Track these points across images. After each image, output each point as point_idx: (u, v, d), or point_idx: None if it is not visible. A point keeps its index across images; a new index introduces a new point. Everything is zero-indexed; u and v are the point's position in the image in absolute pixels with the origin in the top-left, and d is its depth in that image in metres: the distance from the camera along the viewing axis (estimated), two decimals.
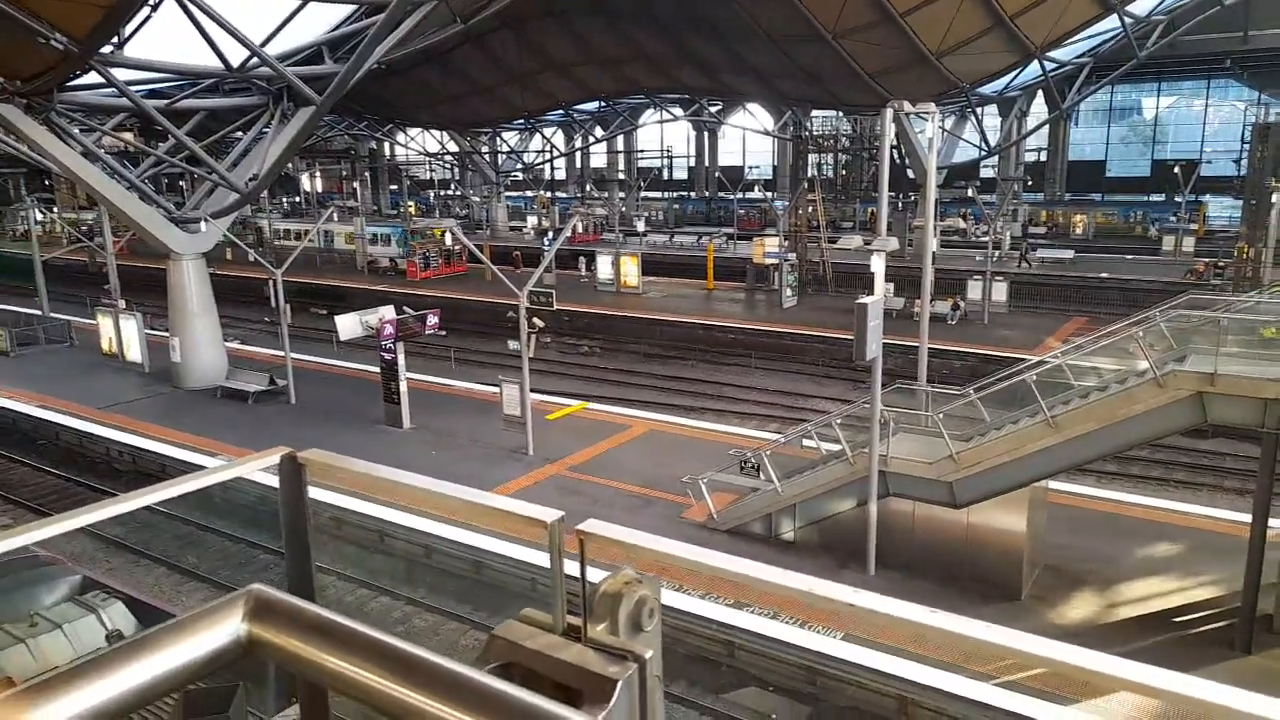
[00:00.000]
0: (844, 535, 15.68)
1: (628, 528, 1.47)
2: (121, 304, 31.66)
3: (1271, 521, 12.84)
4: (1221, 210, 61.94)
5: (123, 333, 30.82)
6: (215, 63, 23.00)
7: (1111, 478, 21.14)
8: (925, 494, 14.90)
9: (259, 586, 1.43)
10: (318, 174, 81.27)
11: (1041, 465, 14.05)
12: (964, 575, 14.67)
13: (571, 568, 1.53)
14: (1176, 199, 57.72)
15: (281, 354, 26.60)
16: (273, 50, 23.54)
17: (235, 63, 23.28)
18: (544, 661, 1.35)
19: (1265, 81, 55.58)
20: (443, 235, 50.28)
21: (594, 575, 1.51)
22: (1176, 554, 15.84)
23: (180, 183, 68.12)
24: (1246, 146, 44.40)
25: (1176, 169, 56.04)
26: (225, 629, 1.35)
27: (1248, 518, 13.18)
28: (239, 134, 29.63)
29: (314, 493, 1.97)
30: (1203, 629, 13.56)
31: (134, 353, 30.50)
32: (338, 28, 28.31)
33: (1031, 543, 14.61)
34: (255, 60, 23.08)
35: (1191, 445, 22.39)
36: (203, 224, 27.42)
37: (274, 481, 1.97)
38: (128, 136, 36.40)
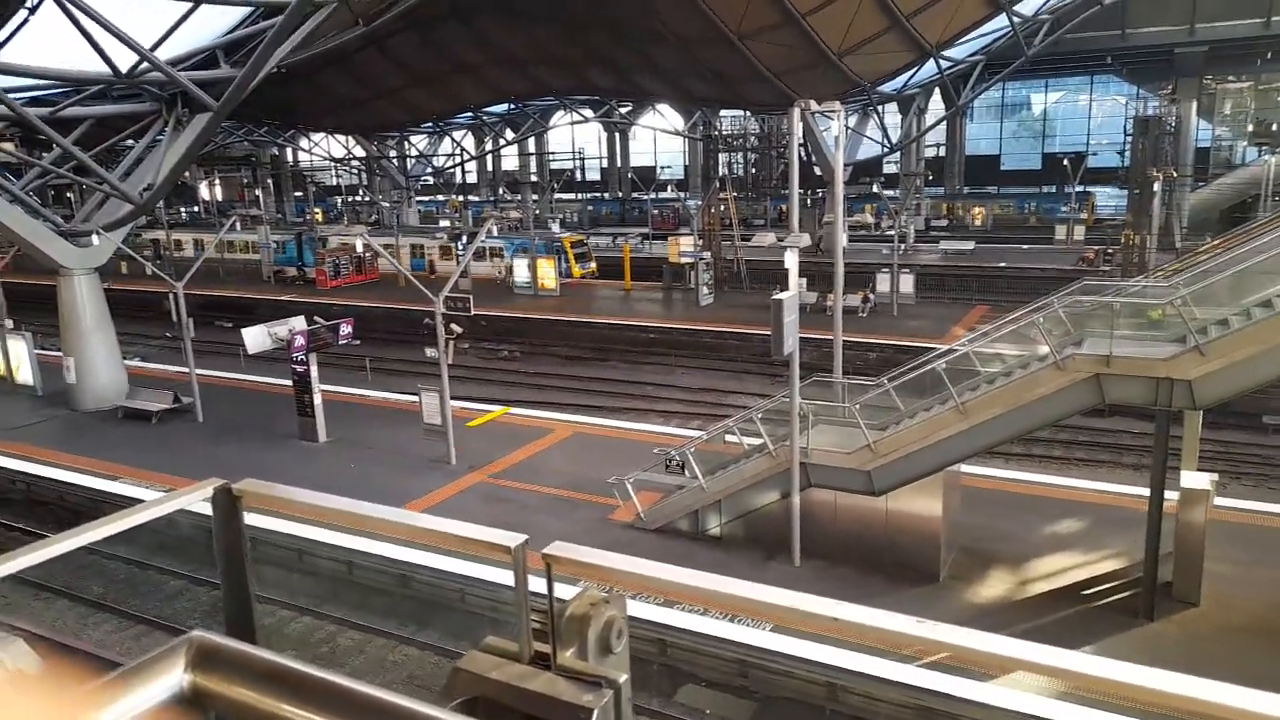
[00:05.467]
0: (769, 528, 15.91)
1: (595, 548, 1.43)
2: (9, 323, 29.85)
3: (1167, 494, 13.56)
4: (1108, 200, 65.18)
5: (10, 354, 29.09)
6: (102, 68, 21.85)
7: (1019, 459, 22.03)
8: (845, 483, 15.24)
9: (200, 633, 1.34)
10: (217, 182, 78.15)
11: (954, 450, 14.51)
12: (885, 561, 15.06)
13: (536, 587, 1.49)
14: (1066, 190, 60.49)
15: (186, 371, 25.52)
16: (164, 54, 22.47)
17: (124, 68, 22.14)
18: (512, 693, 1.29)
19: (1142, 77, 58.81)
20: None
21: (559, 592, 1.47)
22: (1082, 529, 16.60)
23: (68, 194, 64.71)
24: (1129, 139, 46.81)
25: (1065, 161, 58.69)
26: (166, 682, 1.25)
27: (1146, 491, 13.88)
28: (131, 142, 28.25)
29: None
30: (1109, 600, 14.24)
31: (25, 374, 28.84)
32: (233, 30, 27.24)
33: (947, 525, 15.09)
34: (145, 65, 21.98)
35: (1091, 425, 23.48)
36: (94, 237, 26.11)
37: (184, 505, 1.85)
38: (8, 146, 34.24)
